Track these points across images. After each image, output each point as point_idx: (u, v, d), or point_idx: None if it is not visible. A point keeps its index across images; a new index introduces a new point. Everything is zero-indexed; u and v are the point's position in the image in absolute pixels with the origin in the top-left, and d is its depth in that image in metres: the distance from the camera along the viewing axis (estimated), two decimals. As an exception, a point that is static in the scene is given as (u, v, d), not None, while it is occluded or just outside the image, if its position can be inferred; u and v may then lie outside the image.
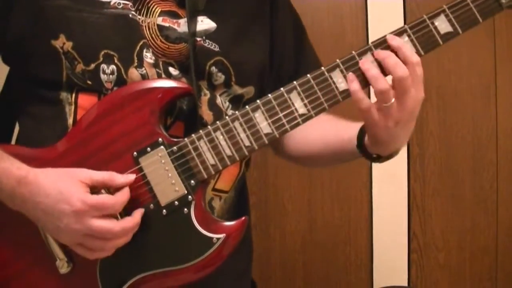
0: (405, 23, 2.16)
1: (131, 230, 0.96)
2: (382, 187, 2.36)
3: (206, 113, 1.09)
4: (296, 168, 2.26)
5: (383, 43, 1.00)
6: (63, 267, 0.99)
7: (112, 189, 0.97)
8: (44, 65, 1.05)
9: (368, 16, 2.32)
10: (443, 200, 2.37)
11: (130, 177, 0.98)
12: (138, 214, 0.97)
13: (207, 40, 1.11)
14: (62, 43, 1.03)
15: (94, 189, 0.95)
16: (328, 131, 1.21)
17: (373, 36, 2.28)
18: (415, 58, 0.97)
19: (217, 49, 1.11)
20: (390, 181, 2.35)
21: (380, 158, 1.10)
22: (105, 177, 0.96)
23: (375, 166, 2.34)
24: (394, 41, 0.99)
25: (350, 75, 0.99)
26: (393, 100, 0.97)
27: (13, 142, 1.17)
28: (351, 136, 1.12)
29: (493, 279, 2.36)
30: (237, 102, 1.16)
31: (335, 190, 2.39)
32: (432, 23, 1.00)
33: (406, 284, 2.36)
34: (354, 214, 2.39)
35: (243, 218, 1.01)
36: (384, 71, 0.99)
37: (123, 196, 0.95)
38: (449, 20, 1.00)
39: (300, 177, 2.37)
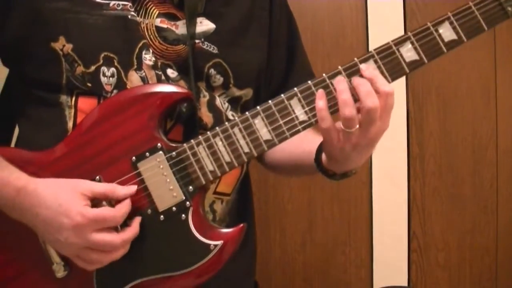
0: (405, 23, 2.18)
1: (130, 241, 0.95)
2: (382, 187, 2.36)
3: (206, 115, 1.08)
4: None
5: (356, 70, 0.97)
6: (60, 271, 0.99)
7: (113, 201, 0.96)
8: (43, 67, 1.04)
9: (368, 16, 2.32)
10: (443, 200, 2.37)
11: (132, 188, 0.96)
12: (136, 222, 0.96)
13: (205, 42, 1.10)
14: (62, 45, 1.02)
15: (95, 200, 0.94)
16: (292, 141, 1.14)
17: (373, 36, 2.29)
18: (388, 88, 0.94)
19: (215, 51, 1.10)
20: (390, 181, 2.35)
21: (335, 175, 1.07)
22: (107, 189, 0.95)
23: (375, 166, 2.34)
24: (366, 71, 0.95)
25: (320, 92, 0.96)
26: (356, 126, 0.94)
27: (13, 144, 1.17)
28: (312, 149, 1.10)
29: (493, 279, 2.37)
30: (235, 103, 1.15)
31: (335, 190, 2.39)
32: (436, 31, 0.97)
33: (406, 284, 2.36)
34: (354, 214, 2.40)
35: (241, 225, 1.00)
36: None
37: (124, 208, 0.94)
38: (454, 28, 0.97)
39: (300, 177, 2.37)
